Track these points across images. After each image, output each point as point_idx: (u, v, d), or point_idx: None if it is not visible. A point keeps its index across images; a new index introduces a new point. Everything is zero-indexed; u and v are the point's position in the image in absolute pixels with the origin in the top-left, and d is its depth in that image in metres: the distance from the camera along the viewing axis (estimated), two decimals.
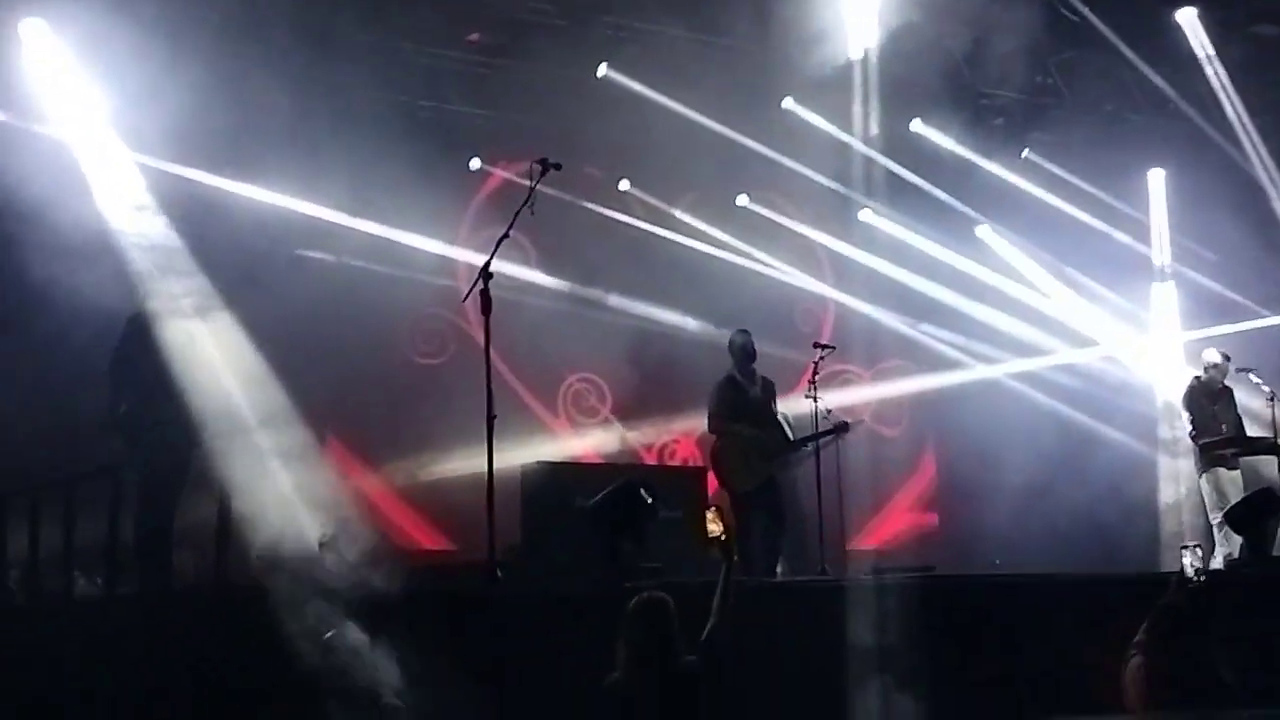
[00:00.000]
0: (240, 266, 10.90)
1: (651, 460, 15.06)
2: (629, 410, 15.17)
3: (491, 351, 8.63)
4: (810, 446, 11.02)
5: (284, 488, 8.59)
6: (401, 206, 13.36)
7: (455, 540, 13.10)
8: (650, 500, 8.92)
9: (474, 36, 13.80)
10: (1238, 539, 10.94)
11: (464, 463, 12.91)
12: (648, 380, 14.84)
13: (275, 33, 12.02)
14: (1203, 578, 7.29)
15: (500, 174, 14.39)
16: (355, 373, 13.01)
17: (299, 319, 11.51)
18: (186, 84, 10.69)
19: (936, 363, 16.34)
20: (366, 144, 12.62)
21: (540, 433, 14.43)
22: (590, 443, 14.97)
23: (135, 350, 8.62)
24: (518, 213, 8.87)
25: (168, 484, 8.36)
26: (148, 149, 11.55)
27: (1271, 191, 15.65)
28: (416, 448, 13.56)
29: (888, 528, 15.97)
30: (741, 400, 10.96)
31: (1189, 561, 9.65)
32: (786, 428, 11.11)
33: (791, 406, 11.40)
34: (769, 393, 11.20)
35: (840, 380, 14.79)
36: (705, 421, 11.21)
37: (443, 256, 14.11)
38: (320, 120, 12.38)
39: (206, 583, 8.59)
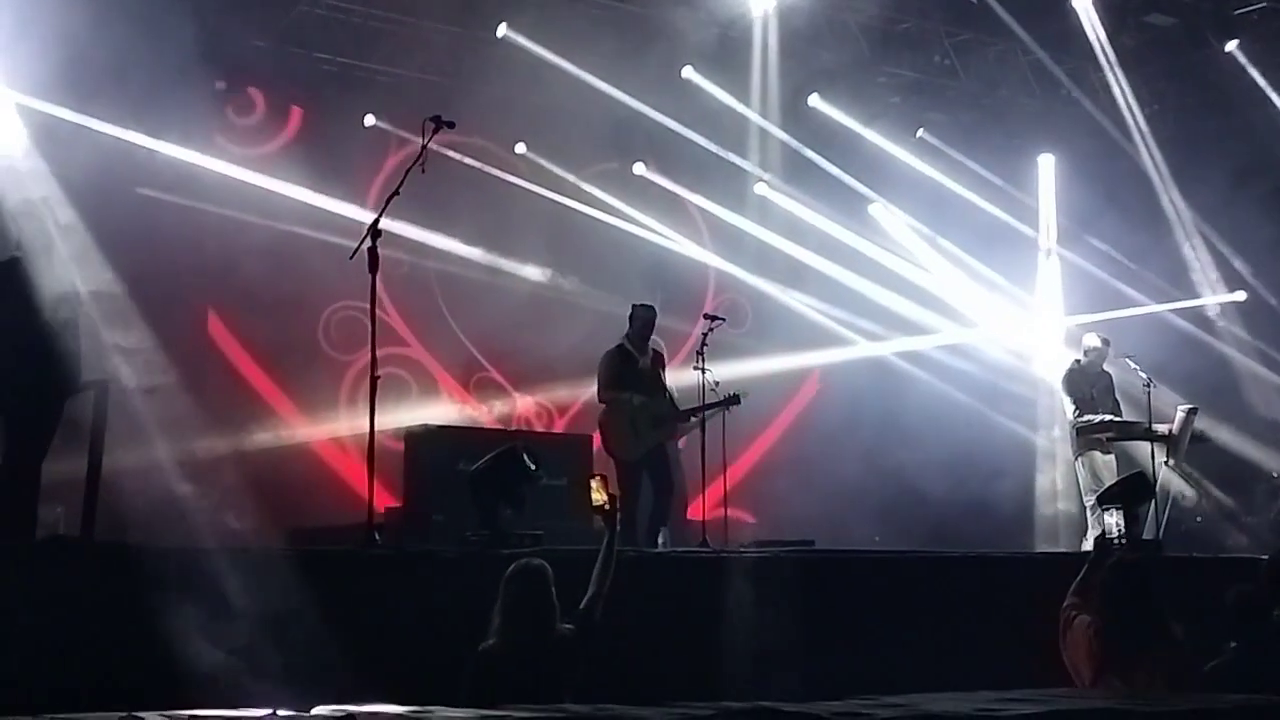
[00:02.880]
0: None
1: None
2: (516, 377, 15.04)
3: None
4: (698, 417, 11.03)
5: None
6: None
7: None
8: (534, 467, 8.85)
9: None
10: (1110, 521, 11.11)
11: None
12: (533, 346, 14.71)
13: None
14: (1122, 539, 7.48)
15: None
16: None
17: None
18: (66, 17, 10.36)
19: (824, 338, 16.39)
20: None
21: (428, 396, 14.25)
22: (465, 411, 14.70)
23: (7, 293, 8.34)
24: (408, 170, 8.76)
25: (35, 433, 8.11)
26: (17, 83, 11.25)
27: (1157, 181, 15.91)
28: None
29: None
30: (631, 369, 10.94)
31: (1112, 521, 9.65)
32: (673, 398, 11.12)
33: (679, 377, 11.41)
34: (659, 362, 11.20)
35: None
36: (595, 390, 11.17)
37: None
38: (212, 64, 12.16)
39: (70, 536, 8.38)
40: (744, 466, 15.02)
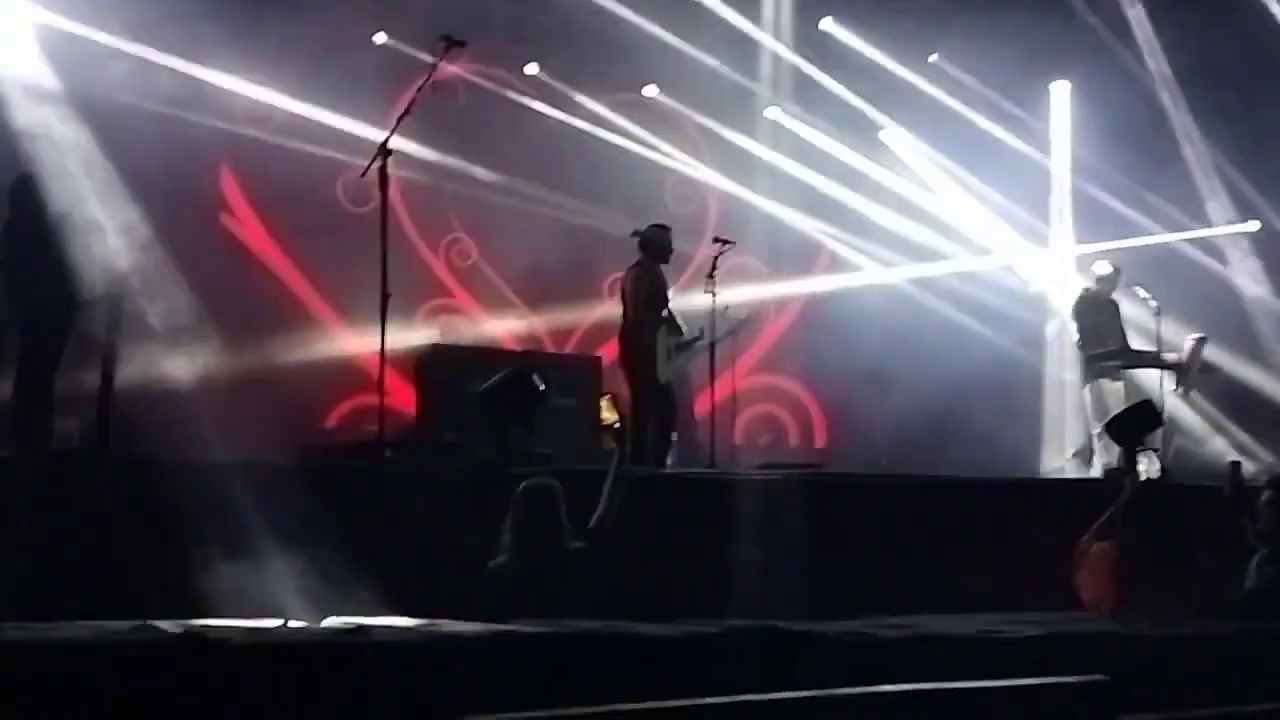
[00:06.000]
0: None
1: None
2: (528, 297, 15.02)
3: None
4: (708, 342, 11.02)
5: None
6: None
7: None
8: (542, 387, 8.88)
9: None
10: (1117, 449, 11.14)
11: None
12: (545, 267, 14.70)
13: None
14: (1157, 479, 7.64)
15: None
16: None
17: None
18: None
19: (835, 264, 16.36)
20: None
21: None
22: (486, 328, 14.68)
23: (21, 208, 8.36)
24: (420, 89, 8.74)
25: (48, 344, 8.14)
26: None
27: (1171, 110, 15.77)
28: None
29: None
30: (659, 294, 10.86)
31: (1144, 467, 9.76)
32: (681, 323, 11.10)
33: (687, 302, 11.40)
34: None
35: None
36: (623, 311, 10.93)
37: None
38: None
39: (87, 447, 8.44)
40: (753, 388, 15.07)
